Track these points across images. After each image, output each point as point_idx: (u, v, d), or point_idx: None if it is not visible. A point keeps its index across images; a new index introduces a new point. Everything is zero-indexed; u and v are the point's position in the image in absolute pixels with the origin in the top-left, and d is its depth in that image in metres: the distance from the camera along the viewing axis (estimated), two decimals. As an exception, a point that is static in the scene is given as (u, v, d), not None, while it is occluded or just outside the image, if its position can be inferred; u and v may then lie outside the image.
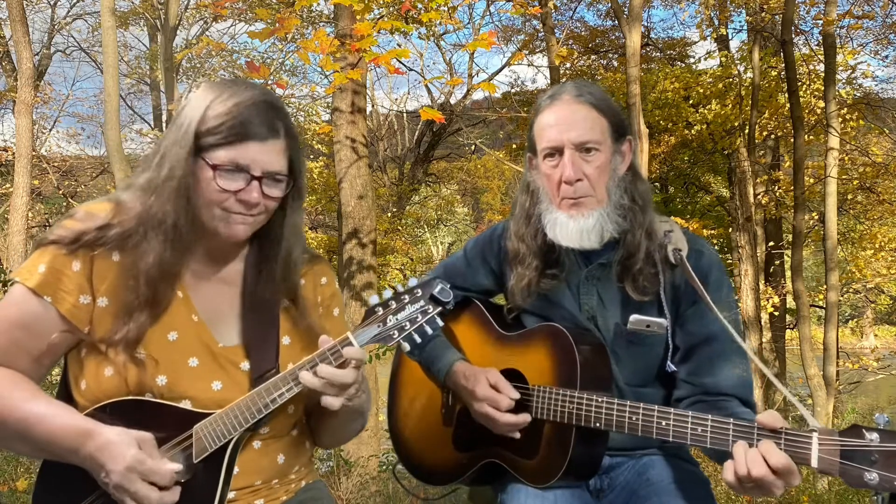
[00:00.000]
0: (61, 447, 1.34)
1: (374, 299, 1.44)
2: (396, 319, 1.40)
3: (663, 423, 1.53)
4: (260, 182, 1.40)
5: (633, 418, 1.57)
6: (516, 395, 1.74)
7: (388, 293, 1.43)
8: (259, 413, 1.40)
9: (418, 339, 1.41)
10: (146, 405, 1.40)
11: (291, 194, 1.49)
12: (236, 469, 1.44)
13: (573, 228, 1.70)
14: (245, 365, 1.48)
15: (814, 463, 1.32)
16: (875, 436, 1.27)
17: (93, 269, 1.41)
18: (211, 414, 1.41)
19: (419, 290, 1.40)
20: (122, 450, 1.30)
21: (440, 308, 1.39)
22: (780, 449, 1.35)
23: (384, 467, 5.87)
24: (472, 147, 17.91)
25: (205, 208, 1.42)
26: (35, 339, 1.40)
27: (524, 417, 1.72)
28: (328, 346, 1.40)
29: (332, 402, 1.40)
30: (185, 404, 1.41)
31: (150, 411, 1.39)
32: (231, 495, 1.45)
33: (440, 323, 1.41)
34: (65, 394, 1.46)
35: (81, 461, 1.34)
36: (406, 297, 1.41)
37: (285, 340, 1.54)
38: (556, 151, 1.71)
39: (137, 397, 1.40)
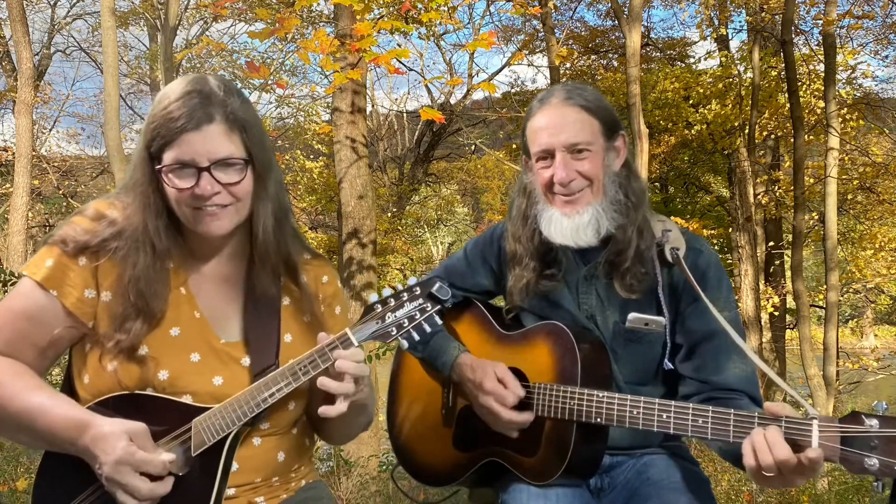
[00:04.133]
0: (60, 437, 1.35)
1: (373, 297, 1.45)
2: (395, 317, 1.41)
3: (664, 416, 1.54)
4: (210, 172, 1.39)
5: (634, 412, 1.58)
6: (522, 393, 1.74)
7: (387, 291, 1.44)
8: (257, 407, 1.41)
9: (417, 337, 1.42)
10: (147, 399, 1.41)
11: (255, 178, 1.46)
12: (236, 465, 1.45)
13: (568, 225, 1.72)
14: (246, 360, 1.49)
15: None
16: (874, 422, 1.28)
17: (98, 265, 1.43)
18: (210, 408, 1.41)
19: (418, 289, 1.42)
20: (113, 442, 1.31)
21: (438, 306, 1.41)
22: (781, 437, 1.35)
23: (384, 467, 5.87)
24: (472, 147, 17.91)
25: (178, 213, 1.44)
26: (40, 332, 1.41)
27: (527, 416, 1.73)
28: (326, 342, 1.41)
29: (339, 407, 1.40)
30: (187, 399, 1.42)
31: (151, 405, 1.40)
32: (231, 492, 1.46)
33: (439, 321, 1.43)
34: (68, 388, 1.48)
35: (79, 452, 1.35)
36: (405, 295, 1.42)
37: (287, 338, 1.54)
38: (548, 154, 1.73)
39: (139, 391, 1.41)
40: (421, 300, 1.41)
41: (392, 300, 1.43)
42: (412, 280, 1.44)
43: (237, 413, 1.40)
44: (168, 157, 1.39)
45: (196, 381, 1.44)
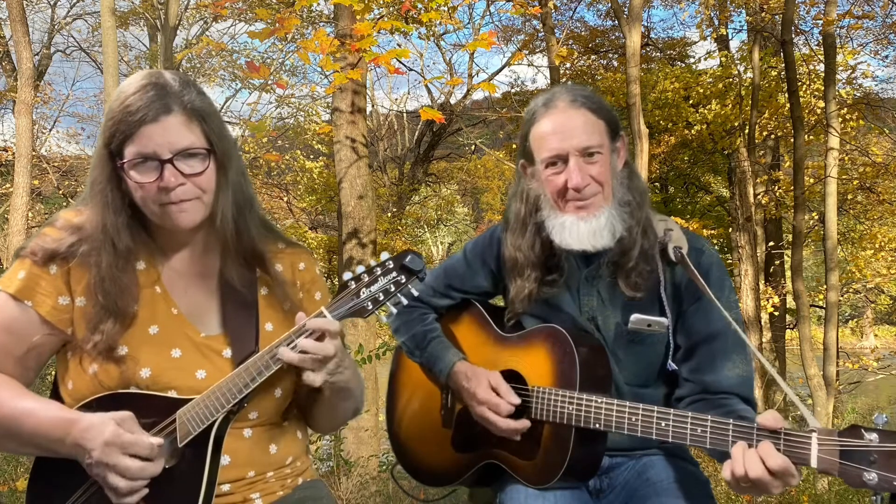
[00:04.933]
0: (49, 438, 1.36)
1: (346, 274, 1.45)
2: (370, 291, 1.41)
3: (663, 423, 1.53)
4: (172, 163, 1.39)
5: (633, 419, 1.58)
6: (516, 401, 1.74)
7: (360, 268, 1.44)
8: (240, 393, 1.41)
9: (394, 311, 1.42)
10: (130, 397, 1.41)
11: (217, 168, 1.45)
12: (228, 459, 1.45)
13: (585, 229, 1.68)
14: (227, 352, 1.49)
15: (813, 463, 1.32)
16: (874, 436, 1.27)
17: (70, 272, 1.45)
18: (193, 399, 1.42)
19: (391, 262, 1.42)
20: (100, 428, 1.32)
21: (413, 277, 1.41)
22: (779, 450, 1.35)
23: (384, 467, 5.87)
24: (472, 147, 17.90)
25: (145, 210, 1.44)
26: (19, 343, 1.43)
27: (523, 423, 1.72)
28: (303, 321, 1.42)
29: (313, 377, 1.41)
30: (171, 395, 1.43)
31: (135, 402, 1.40)
32: (226, 488, 1.46)
33: (415, 293, 1.42)
34: (55, 397, 1.49)
35: (68, 450, 1.35)
36: (378, 269, 1.42)
37: (268, 327, 1.55)
38: (560, 159, 1.69)
39: (122, 391, 1.42)
40: (395, 273, 1.41)
41: (365, 276, 1.43)
42: (385, 255, 1.44)
43: (220, 401, 1.40)
44: (129, 151, 1.39)
45: (178, 377, 1.44)
